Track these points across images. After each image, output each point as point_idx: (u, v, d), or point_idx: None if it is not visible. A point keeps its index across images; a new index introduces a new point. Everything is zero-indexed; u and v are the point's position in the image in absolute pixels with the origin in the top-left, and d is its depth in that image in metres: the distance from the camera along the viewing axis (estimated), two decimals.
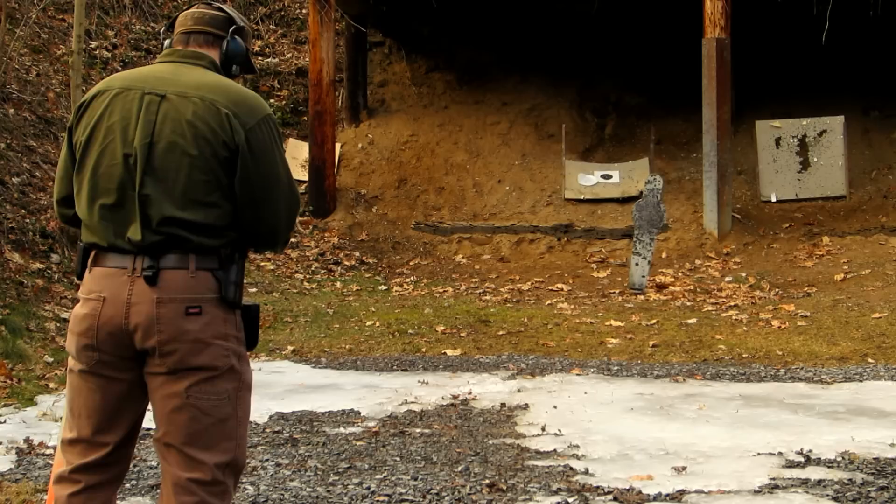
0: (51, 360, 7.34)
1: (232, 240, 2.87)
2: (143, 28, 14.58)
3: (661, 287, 10.43)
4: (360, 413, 6.19)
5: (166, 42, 3.04)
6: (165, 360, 2.78)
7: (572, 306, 9.81)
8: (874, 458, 5.01)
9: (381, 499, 4.49)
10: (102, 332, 2.81)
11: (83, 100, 2.94)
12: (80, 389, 2.90)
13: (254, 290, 10.57)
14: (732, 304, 9.61)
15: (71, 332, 2.89)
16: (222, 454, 2.82)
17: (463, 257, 12.54)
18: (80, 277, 2.91)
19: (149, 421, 2.95)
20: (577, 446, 5.34)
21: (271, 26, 15.65)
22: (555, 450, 5.29)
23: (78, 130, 2.90)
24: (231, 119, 2.80)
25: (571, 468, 4.94)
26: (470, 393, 6.64)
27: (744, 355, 7.75)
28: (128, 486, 4.66)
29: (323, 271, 11.75)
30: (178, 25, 3.01)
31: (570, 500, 4.44)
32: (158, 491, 4.19)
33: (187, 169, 2.78)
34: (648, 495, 4.50)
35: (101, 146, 2.84)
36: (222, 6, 3.07)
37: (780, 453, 5.13)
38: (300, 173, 13.57)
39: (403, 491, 4.57)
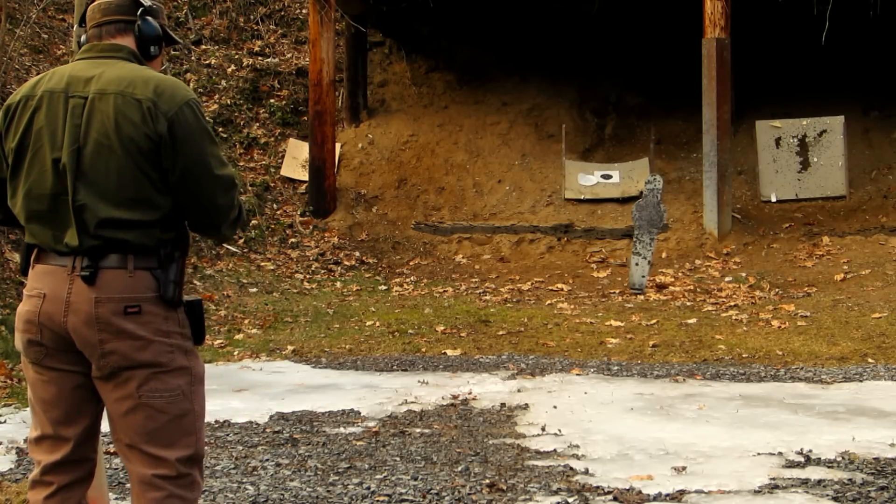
0: None
1: (172, 238, 2.87)
2: None
3: (661, 287, 10.43)
4: (360, 413, 6.19)
5: (83, 38, 3.03)
6: (107, 360, 2.79)
7: (572, 306, 9.81)
8: (874, 458, 5.01)
9: (381, 499, 4.49)
10: (45, 329, 2.84)
11: (8, 103, 2.94)
12: (35, 384, 2.92)
13: (254, 290, 10.58)
14: (732, 304, 9.61)
15: (17, 329, 2.94)
16: (183, 449, 2.85)
17: (463, 257, 12.54)
18: (25, 274, 2.95)
19: (106, 426, 2.96)
20: (577, 446, 5.34)
21: (271, 26, 15.65)
22: (555, 450, 5.29)
23: (7, 137, 2.90)
24: (152, 110, 2.79)
25: (571, 468, 4.94)
26: (470, 393, 6.64)
27: (744, 355, 7.75)
28: (128, 485, 4.66)
29: (323, 271, 11.75)
30: (88, 20, 2.99)
31: (570, 500, 4.44)
32: None
33: (116, 168, 2.78)
34: (648, 495, 4.50)
35: (31, 153, 2.86)
36: None
37: (780, 453, 5.13)
38: (300, 173, 13.57)
39: (403, 491, 4.57)
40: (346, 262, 12.10)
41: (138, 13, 2.98)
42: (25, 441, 5.43)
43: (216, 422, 5.95)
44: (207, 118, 2.89)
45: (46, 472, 2.92)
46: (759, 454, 5.12)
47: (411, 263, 12.34)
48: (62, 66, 2.99)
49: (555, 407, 6.21)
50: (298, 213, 13.08)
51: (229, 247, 11.68)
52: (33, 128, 2.85)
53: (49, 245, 2.85)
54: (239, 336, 8.75)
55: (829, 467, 4.89)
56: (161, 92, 2.82)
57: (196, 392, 2.91)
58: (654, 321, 8.98)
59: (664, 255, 11.86)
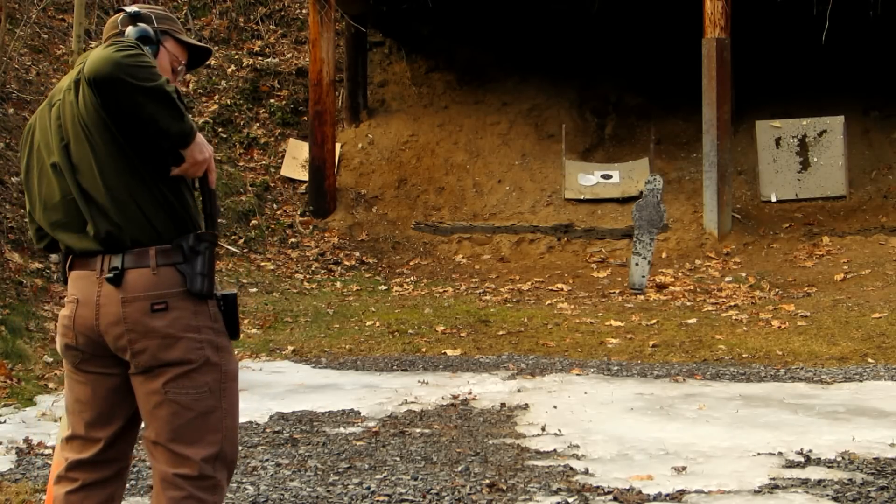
0: (50, 360, 7.34)
1: (187, 228, 2.87)
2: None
3: (661, 287, 10.43)
4: (360, 413, 6.19)
5: None
6: (138, 359, 2.82)
7: (572, 306, 9.81)
8: (874, 458, 5.00)
9: (381, 499, 4.49)
10: (80, 334, 2.88)
11: (27, 128, 3.07)
12: (71, 386, 2.98)
13: (254, 290, 10.57)
14: (732, 304, 9.61)
15: (57, 332, 2.99)
16: (208, 447, 2.84)
17: (463, 257, 12.53)
18: (65, 283, 3.00)
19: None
20: (577, 446, 5.34)
21: (271, 26, 15.65)
22: (555, 450, 5.28)
23: (21, 158, 3.06)
24: (80, 82, 2.80)
25: (571, 468, 4.93)
26: (470, 393, 6.64)
27: (744, 355, 7.75)
28: (127, 485, 4.66)
29: (323, 271, 11.75)
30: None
31: (570, 500, 4.44)
32: None
33: (97, 156, 2.81)
34: (648, 495, 4.49)
35: (38, 168, 2.96)
36: (123, 7, 3.12)
37: (780, 453, 5.12)
38: (300, 173, 13.57)
39: (403, 491, 4.57)
40: (346, 262, 12.10)
41: (124, 20, 3.03)
42: (27, 442, 5.43)
43: None
44: (174, 91, 2.78)
45: (72, 469, 2.94)
46: (759, 454, 5.12)
47: (411, 263, 12.34)
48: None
49: (555, 407, 6.21)
50: (298, 213, 13.08)
51: (229, 247, 11.68)
52: (35, 145, 2.97)
53: (77, 247, 2.89)
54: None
55: (829, 467, 4.88)
56: (88, 62, 2.76)
57: (227, 389, 2.90)
58: (654, 321, 8.98)
59: (664, 255, 11.86)
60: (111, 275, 2.81)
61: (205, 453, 2.83)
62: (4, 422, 5.96)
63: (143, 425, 2.94)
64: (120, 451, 2.98)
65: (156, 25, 3.04)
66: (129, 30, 2.99)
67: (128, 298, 2.81)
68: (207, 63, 14.19)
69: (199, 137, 2.85)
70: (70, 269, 2.94)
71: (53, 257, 9.15)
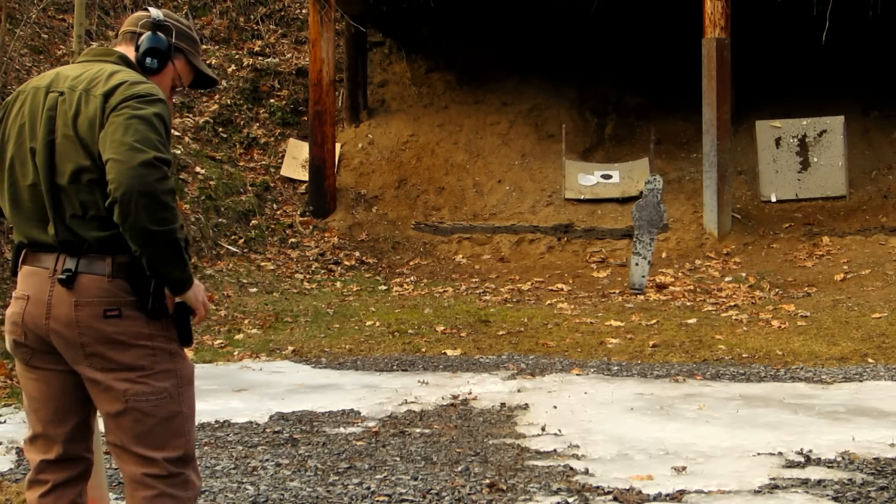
0: None
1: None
2: None
3: (661, 287, 10.43)
4: (360, 413, 6.19)
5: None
6: (91, 361, 2.81)
7: (572, 306, 9.81)
8: (874, 458, 5.00)
9: (381, 499, 4.49)
10: (29, 331, 2.87)
11: (7, 100, 3.00)
12: (25, 384, 2.99)
13: (254, 290, 10.57)
14: (732, 304, 9.61)
15: (5, 330, 2.98)
16: (173, 450, 2.86)
17: (463, 257, 12.54)
18: (14, 275, 2.97)
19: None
20: (577, 446, 5.34)
21: (271, 26, 15.65)
22: (555, 450, 5.28)
23: (1, 131, 2.97)
24: (104, 104, 2.78)
25: (571, 468, 4.93)
26: (470, 393, 6.64)
27: (744, 355, 7.75)
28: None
29: (323, 271, 11.75)
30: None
31: (570, 500, 4.44)
32: None
33: (80, 162, 2.79)
34: (648, 495, 4.49)
35: (16, 145, 2.89)
36: (151, 6, 3.13)
37: (780, 453, 5.12)
38: (300, 173, 13.57)
39: (403, 491, 4.57)
40: (346, 262, 12.10)
41: (140, 24, 3.03)
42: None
43: (216, 422, 5.95)
44: (168, 118, 2.81)
45: (41, 471, 2.95)
46: (759, 454, 5.12)
47: (411, 263, 12.34)
48: (56, 68, 3.05)
49: (555, 407, 6.21)
50: (298, 213, 13.08)
51: (229, 247, 11.68)
52: (18, 121, 2.90)
53: (31, 238, 2.87)
54: (239, 336, 8.75)
55: (829, 467, 4.88)
56: (116, 86, 2.80)
57: (184, 393, 2.91)
58: (654, 321, 8.98)
59: (664, 255, 11.86)
60: (63, 276, 2.79)
61: (170, 455, 2.85)
62: (4, 422, 5.97)
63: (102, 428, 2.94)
64: (82, 447, 2.98)
65: (173, 41, 3.03)
66: (144, 38, 2.99)
67: (80, 302, 2.79)
68: (208, 62, 14.20)
69: (195, 281, 2.86)
70: (23, 262, 2.91)
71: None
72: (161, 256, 2.73)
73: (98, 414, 2.99)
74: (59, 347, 2.83)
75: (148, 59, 2.99)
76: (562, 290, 10.74)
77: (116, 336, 2.80)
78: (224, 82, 14.37)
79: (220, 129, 13.78)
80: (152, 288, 2.82)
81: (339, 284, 11.21)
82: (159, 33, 3.00)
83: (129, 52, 3.01)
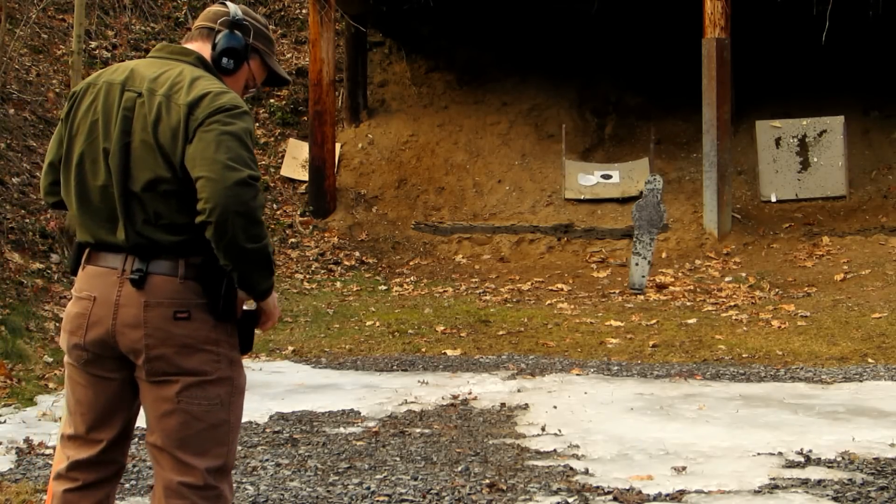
0: (50, 360, 7.34)
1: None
2: (142, 28, 14.58)
3: (661, 287, 10.43)
4: (360, 413, 6.19)
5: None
6: (153, 365, 2.76)
7: (572, 306, 9.81)
8: (874, 458, 5.00)
9: (381, 499, 4.49)
10: (91, 333, 2.80)
11: (75, 90, 2.92)
12: (73, 386, 2.91)
13: None
14: (732, 304, 9.61)
15: (63, 329, 2.90)
16: (214, 459, 2.81)
17: (463, 257, 12.54)
18: (74, 273, 2.91)
19: (142, 420, 2.96)
20: (577, 446, 5.34)
21: (271, 26, 15.62)
22: (555, 450, 5.28)
23: (67, 123, 2.89)
24: (188, 115, 2.72)
25: (571, 468, 4.93)
26: (470, 393, 6.64)
27: (744, 355, 7.75)
28: (127, 485, 4.66)
29: (323, 271, 11.75)
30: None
31: (570, 500, 4.44)
32: None
33: (158, 172, 2.73)
34: (648, 495, 4.50)
35: (87, 142, 2.82)
36: (228, 2, 3.01)
37: (780, 453, 5.12)
38: (300, 173, 13.58)
39: (403, 491, 4.57)
40: (346, 262, 12.10)
41: (219, 22, 2.94)
42: (27, 442, 5.43)
43: None
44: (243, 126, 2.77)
45: (73, 468, 2.90)
46: (759, 454, 5.12)
47: (411, 263, 12.34)
48: (129, 62, 2.94)
49: (555, 407, 6.21)
50: (298, 213, 13.08)
51: None
52: (90, 116, 2.83)
53: (98, 239, 2.81)
54: None
55: (829, 467, 4.88)
56: (200, 97, 2.74)
57: (235, 403, 2.88)
58: (654, 321, 8.98)
59: (664, 255, 11.86)
60: (135, 276, 2.74)
61: (210, 464, 2.79)
62: (4, 422, 5.96)
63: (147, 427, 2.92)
64: (119, 451, 2.95)
65: (251, 41, 2.96)
66: (221, 36, 2.91)
67: (151, 303, 2.74)
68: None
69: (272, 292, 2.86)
70: (86, 262, 2.85)
71: (55, 258, 9.15)
72: (254, 271, 2.72)
73: (137, 417, 2.96)
74: (123, 349, 2.77)
75: (224, 60, 2.92)
76: (562, 290, 10.74)
77: (184, 339, 2.75)
78: None
79: None
80: (223, 290, 2.78)
81: (339, 284, 11.21)
82: (237, 32, 2.92)
83: (205, 50, 2.93)
